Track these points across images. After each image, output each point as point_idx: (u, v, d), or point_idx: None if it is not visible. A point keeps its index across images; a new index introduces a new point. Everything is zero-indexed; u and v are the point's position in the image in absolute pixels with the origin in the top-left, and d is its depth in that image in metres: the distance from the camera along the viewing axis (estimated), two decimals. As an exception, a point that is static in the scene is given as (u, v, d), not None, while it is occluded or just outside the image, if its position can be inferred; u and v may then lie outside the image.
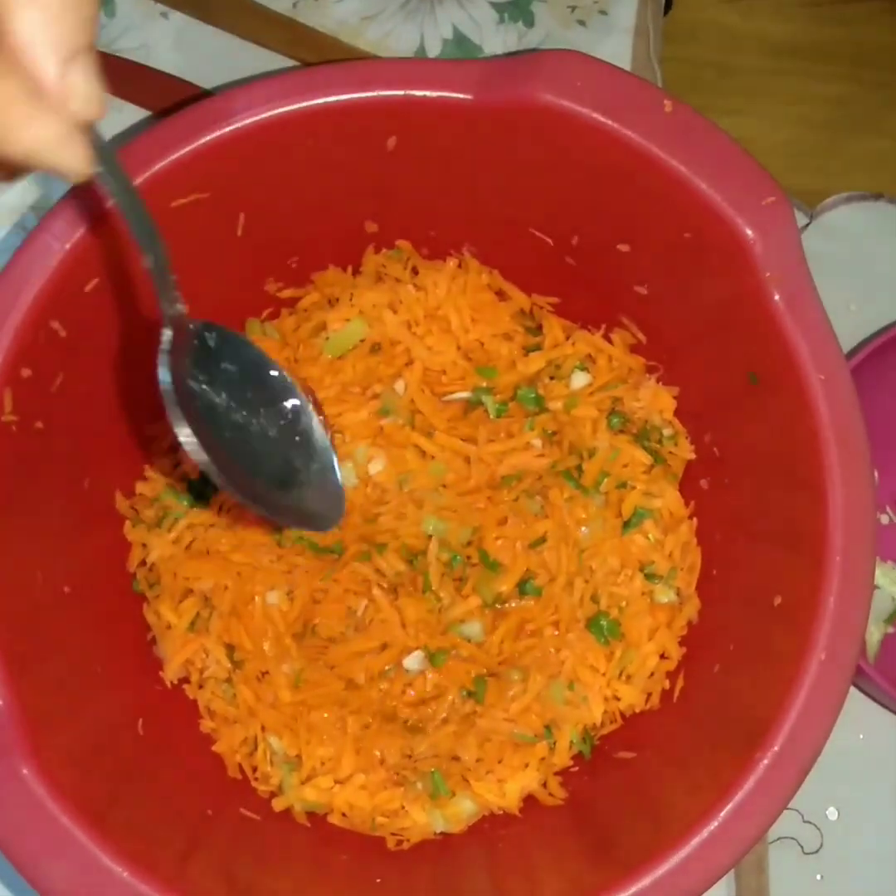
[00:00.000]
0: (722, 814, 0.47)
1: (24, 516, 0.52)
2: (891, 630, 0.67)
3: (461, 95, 0.51)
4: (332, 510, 0.48)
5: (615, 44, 0.71)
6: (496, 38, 0.71)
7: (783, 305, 0.50)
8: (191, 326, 0.44)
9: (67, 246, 0.50)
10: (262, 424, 0.46)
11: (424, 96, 0.51)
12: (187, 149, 0.51)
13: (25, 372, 0.50)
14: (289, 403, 0.46)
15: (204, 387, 0.44)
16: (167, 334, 0.42)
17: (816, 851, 0.64)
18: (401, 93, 0.51)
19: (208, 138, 0.51)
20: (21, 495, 0.52)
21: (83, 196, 0.50)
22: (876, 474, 0.68)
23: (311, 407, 0.46)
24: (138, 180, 0.51)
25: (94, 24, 0.32)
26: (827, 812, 0.65)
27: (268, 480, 0.45)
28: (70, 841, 0.45)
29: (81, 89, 0.32)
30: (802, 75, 0.76)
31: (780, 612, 0.51)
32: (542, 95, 0.51)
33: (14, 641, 0.49)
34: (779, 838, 0.64)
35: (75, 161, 0.34)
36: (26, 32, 0.30)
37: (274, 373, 0.46)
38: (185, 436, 0.41)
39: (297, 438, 0.47)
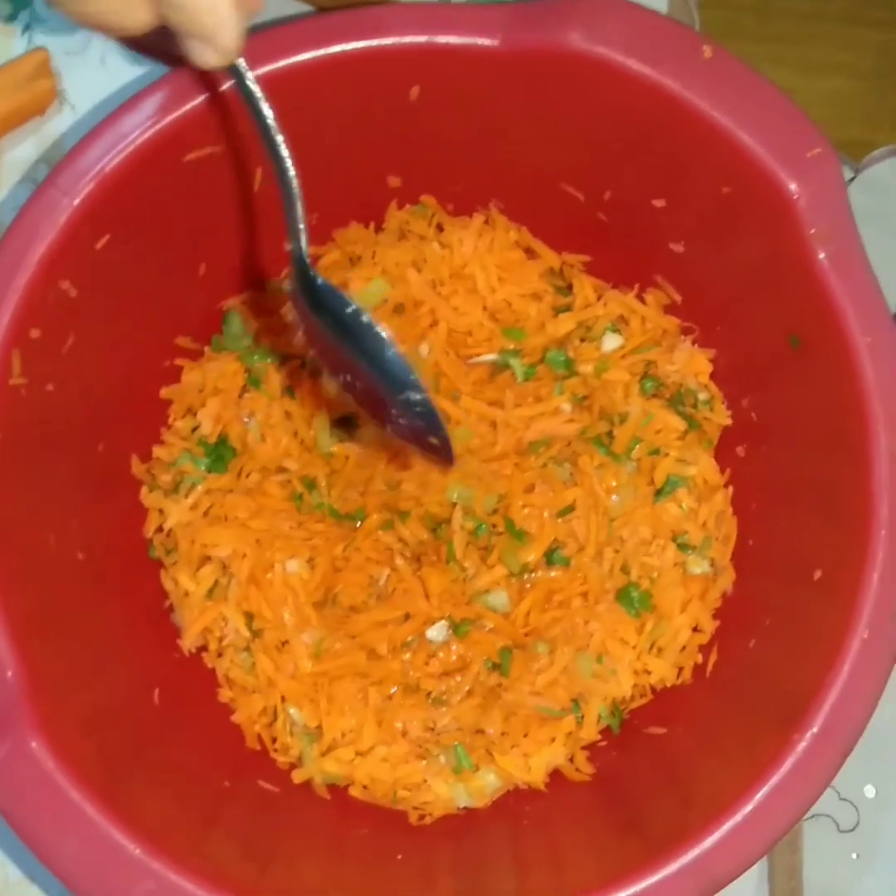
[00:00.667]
0: (756, 796, 0.45)
1: (37, 481, 0.51)
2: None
3: (487, 41, 0.49)
4: (442, 455, 0.48)
5: (651, -12, 0.67)
6: (526, -18, 0.68)
7: (828, 264, 0.47)
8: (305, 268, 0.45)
9: (76, 201, 0.48)
10: (359, 369, 0.47)
11: (448, 43, 0.49)
12: (198, 101, 0.49)
13: (35, 333, 0.49)
14: (388, 353, 0.46)
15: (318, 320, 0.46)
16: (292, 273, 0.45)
17: (853, 829, 0.62)
18: (423, 39, 0.49)
19: (221, 89, 0.49)
20: (32, 459, 0.50)
21: (91, 148, 0.48)
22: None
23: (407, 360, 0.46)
24: (149, 132, 0.49)
25: None
26: (864, 789, 0.63)
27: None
28: (80, 817, 0.43)
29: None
30: (847, 20, 0.72)
31: (821, 587, 0.49)
32: (574, 41, 0.48)
33: (24, 609, 0.47)
34: (814, 815, 0.62)
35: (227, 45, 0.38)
36: None
37: (376, 327, 0.46)
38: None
39: (392, 384, 0.46)
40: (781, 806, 0.45)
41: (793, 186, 0.47)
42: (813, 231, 0.47)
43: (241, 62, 0.41)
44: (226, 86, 0.49)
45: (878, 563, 0.46)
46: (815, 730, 0.45)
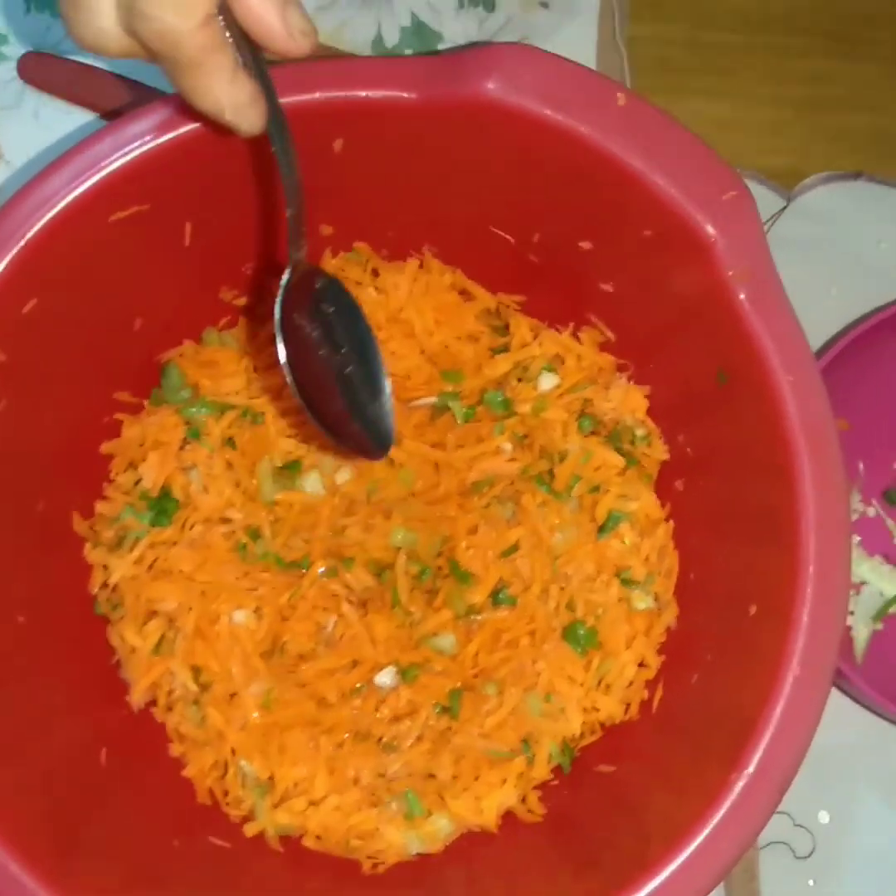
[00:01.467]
0: (703, 832, 0.46)
1: (-28, 546, 0.50)
2: (879, 627, 0.65)
3: (405, 94, 0.49)
4: (382, 443, 0.52)
5: (579, 25, 0.68)
6: (456, 25, 0.69)
7: (748, 304, 0.48)
8: (307, 270, 0.48)
9: (0, 267, 0.48)
10: (342, 361, 0.51)
11: (367, 96, 0.49)
12: (122, 161, 0.49)
13: (-35, 397, 0.48)
14: (368, 347, 0.51)
15: (304, 321, 0.49)
16: (288, 274, 0.47)
17: (808, 856, 0.63)
18: (343, 94, 0.49)
19: (143, 149, 0.49)
20: (-33, 526, 0.50)
21: (13, 214, 0.48)
22: (861, 466, 0.66)
23: (381, 354, 0.52)
24: (71, 196, 0.49)
25: None
26: (818, 815, 0.63)
27: (335, 409, 0.50)
28: (21, 890, 0.43)
29: (298, 25, 0.38)
30: (777, 51, 0.73)
31: (756, 622, 0.50)
32: (490, 91, 0.48)
33: (-39, 680, 0.47)
34: (770, 843, 0.63)
35: (255, 119, 0.40)
36: None
37: (361, 321, 0.51)
38: (282, 357, 0.47)
39: (365, 378, 0.51)
40: (725, 841, 0.45)
41: (710, 229, 0.47)
42: (731, 272, 0.47)
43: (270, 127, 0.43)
44: (144, 147, 0.49)
45: (807, 598, 0.46)
46: (750, 770, 0.45)
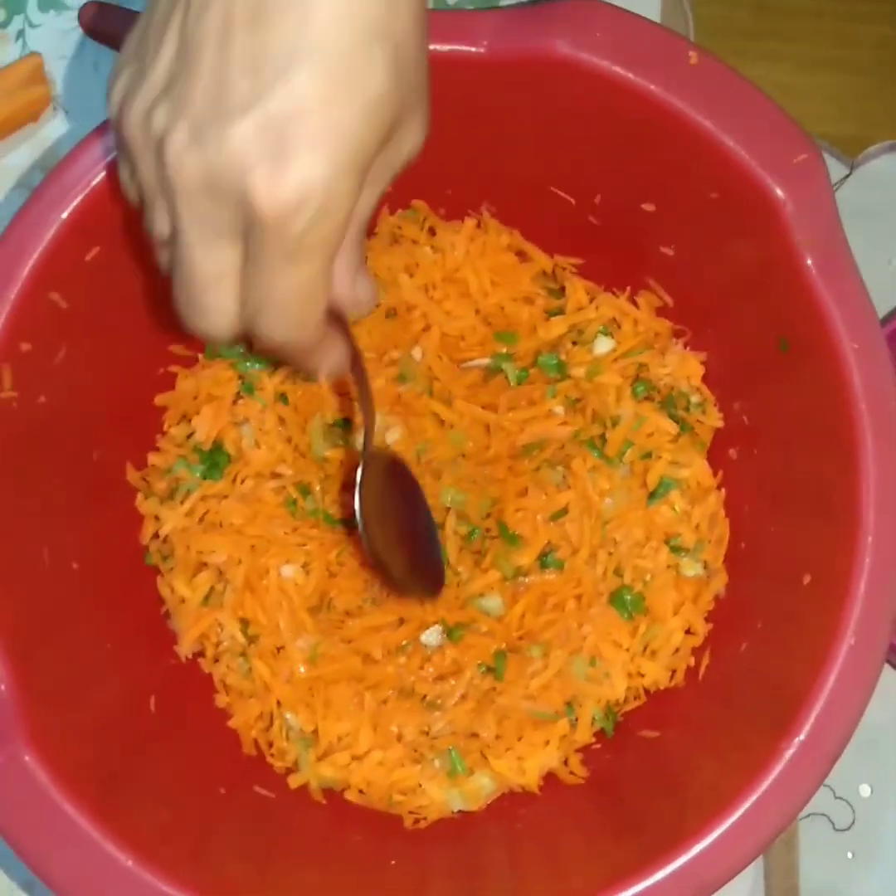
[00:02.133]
0: (746, 803, 0.46)
1: (30, 493, 0.51)
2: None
3: (474, 48, 0.49)
4: (438, 581, 0.57)
5: (645, -13, 0.67)
6: (518, -17, 0.68)
7: (815, 270, 0.47)
8: (377, 458, 0.55)
9: (64, 215, 0.48)
10: (404, 521, 0.57)
11: (435, 50, 0.48)
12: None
13: (25, 346, 0.49)
14: (422, 509, 0.58)
15: (375, 494, 0.54)
16: (361, 471, 0.53)
17: (848, 828, 0.63)
18: (410, 47, 0.49)
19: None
20: (25, 472, 0.51)
21: (79, 160, 0.48)
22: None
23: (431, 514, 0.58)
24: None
25: (364, 247, 0.42)
26: (859, 788, 0.63)
27: (403, 558, 0.56)
28: (74, 830, 0.44)
29: (364, 292, 0.43)
30: (844, 16, 0.71)
31: (810, 591, 0.49)
32: (560, 47, 0.48)
33: (18, 622, 0.48)
34: (809, 815, 0.63)
35: (344, 369, 0.46)
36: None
37: (415, 488, 0.58)
38: (364, 541, 0.54)
39: (422, 533, 0.58)
40: (769, 813, 0.45)
41: (779, 192, 0.47)
42: (800, 237, 0.47)
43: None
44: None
45: (864, 569, 0.46)
46: (801, 738, 0.45)
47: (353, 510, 0.53)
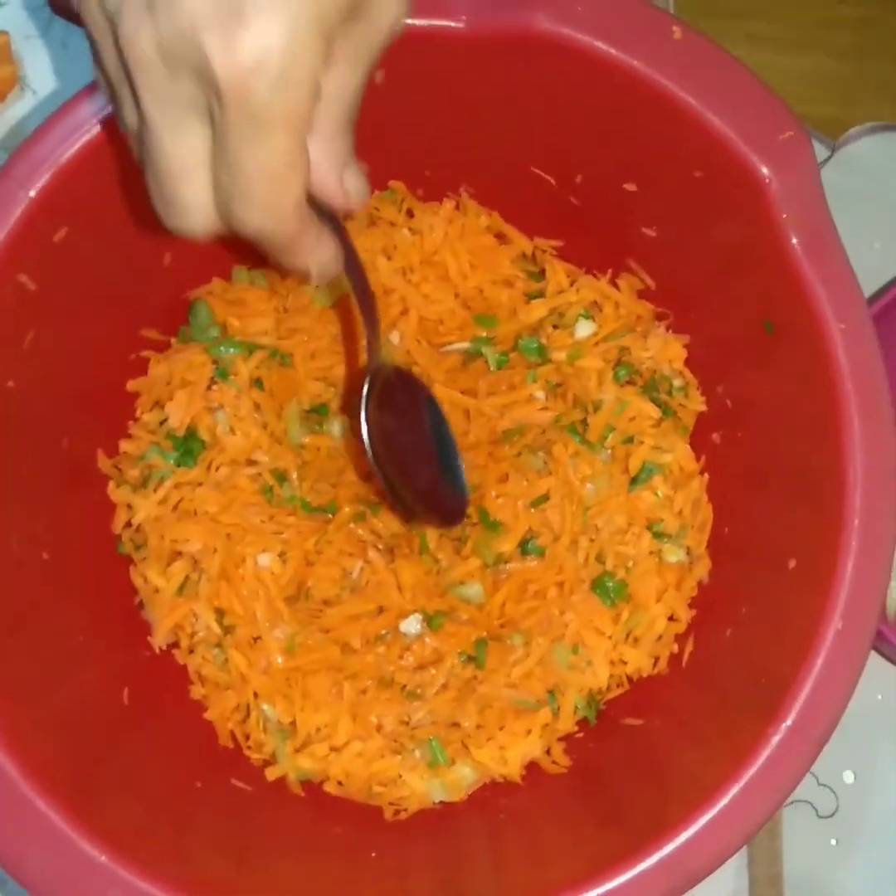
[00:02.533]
0: (732, 790, 0.45)
1: (-2, 480, 0.50)
2: (912, 586, 0.64)
3: (452, 23, 0.47)
4: (459, 508, 0.55)
5: (624, -35, 0.66)
6: (496, -39, 0.67)
7: (801, 249, 0.46)
8: (384, 371, 0.52)
9: (32, 193, 0.47)
10: (418, 437, 0.55)
11: (412, 25, 0.47)
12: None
13: (-8, 329, 0.47)
14: (436, 419, 0.56)
15: (383, 413, 0.52)
16: (368, 382, 0.51)
17: (832, 815, 0.62)
18: (387, 21, 0.47)
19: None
20: (-7, 458, 0.49)
21: (47, 138, 0.47)
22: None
23: (448, 423, 0.56)
24: (107, 120, 0.47)
25: (354, 141, 0.40)
26: (843, 775, 0.63)
27: (416, 484, 0.54)
28: (47, 826, 0.43)
29: (354, 186, 0.40)
30: (824, -3, 0.71)
31: (795, 576, 0.49)
32: (540, 22, 0.47)
33: (-13, 614, 0.46)
34: (793, 802, 0.62)
35: (334, 270, 0.43)
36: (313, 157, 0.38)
37: (430, 403, 0.56)
38: (369, 454, 0.51)
39: (438, 447, 0.55)
40: (757, 799, 0.45)
41: (765, 170, 0.46)
42: (785, 215, 0.46)
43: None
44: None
45: (851, 552, 0.45)
46: (788, 723, 0.44)
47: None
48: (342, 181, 0.40)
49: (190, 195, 0.38)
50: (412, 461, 0.53)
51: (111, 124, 0.47)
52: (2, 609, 0.48)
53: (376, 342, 0.50)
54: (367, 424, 0.50)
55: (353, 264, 0.45)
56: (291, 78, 0.35)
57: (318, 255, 0.41)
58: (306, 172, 0.38)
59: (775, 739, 0.44)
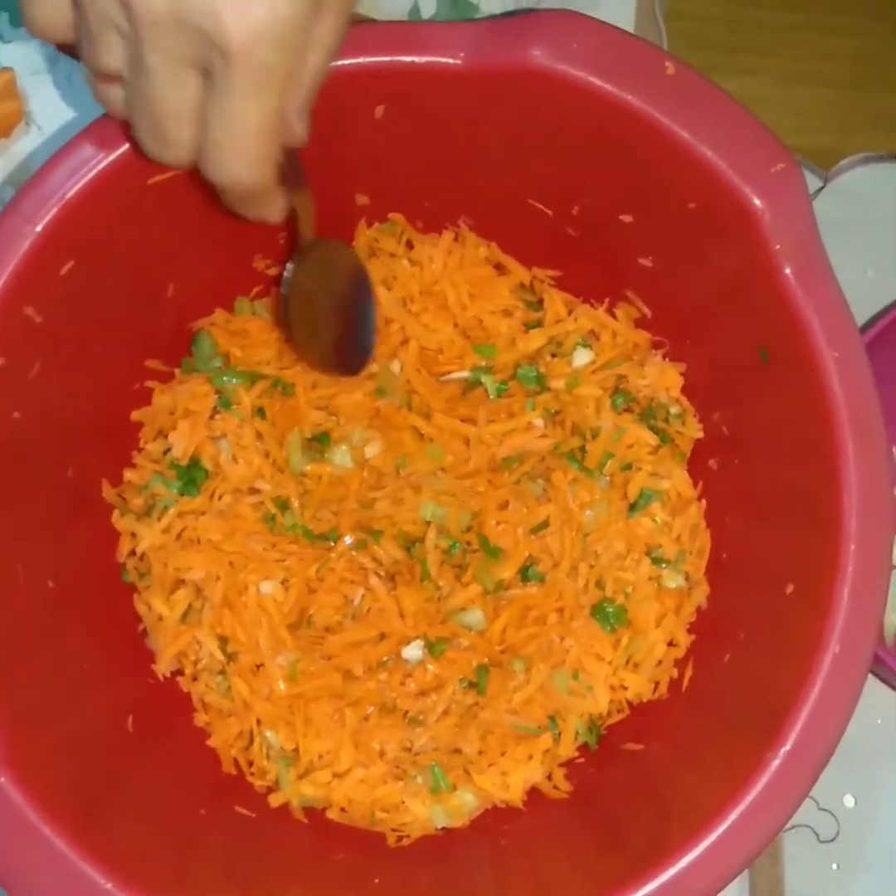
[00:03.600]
0: (732, 815, 0.45)
1: (4, 510, 0.50)
2: (910, 611, 0.64)
3: (450, 60, 0.48)
4: (362, 361, 0.59)
5: (618, 1, 0.68)
6: (493, -3, 0.68)
7: (794, 279, 0.47)
8: (310, 242, 0.56)
9: (39, 228, 0.48)
10: (336, 297, 0.58)
11: (412, 62, 0.49)
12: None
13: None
14: (358, 283, 0.59)
15: (305, 278, 0.56)
16: (295, 258, 0.56)
17: (833, 839, 0.62)
18: (388, 59, 0.49)
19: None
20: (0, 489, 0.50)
21: (53, 173, 0.48)
22: (895, 451, 0.65)
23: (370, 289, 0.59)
24: (113, 156, 0.48)
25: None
26: (843, 799, 0.63)
27: (325, 338, 0.59)
28: (52, 853, 0.43)
29: (302, 130, 0.43)
30: (819, 29, 0.72)
31: (793, 601, 0.49)
32: (536, 59, 0.48)
33: (-7, 644, 0.47)
34: (794, 826, 0.62)
35: (284, 215, 0.48)
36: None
37: (357, 265, 0.59)
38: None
39: (355, 307, 0.59)
40: (757, 824, 0.45)
41: (758, 202, 0.47)
42: (778, 246, 0.47)
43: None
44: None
45: (848, 577, 0.46)
46: (788, 747, 0.44)
47: None
48: (295, 127, 0.43)
49: (177, 135, 0.42)
50: (324, 318, 0.58)
51: (117, 160, 0.48)
52: (8, 637, 0.48)
53: (309, 222, 0.54)
54: (289, 285, 0.55)
55: (303, 202, 0.52)
56: (292, 44, 0.39)
57: (275, 211, 0.47)
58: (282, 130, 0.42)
59: (775, 764, 0.45)
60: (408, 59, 0.48)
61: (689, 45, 0.71)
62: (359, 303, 0.59)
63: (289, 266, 0.55)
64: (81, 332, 0.53)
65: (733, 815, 0.45)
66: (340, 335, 0.59)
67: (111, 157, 0.48)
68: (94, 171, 0.48)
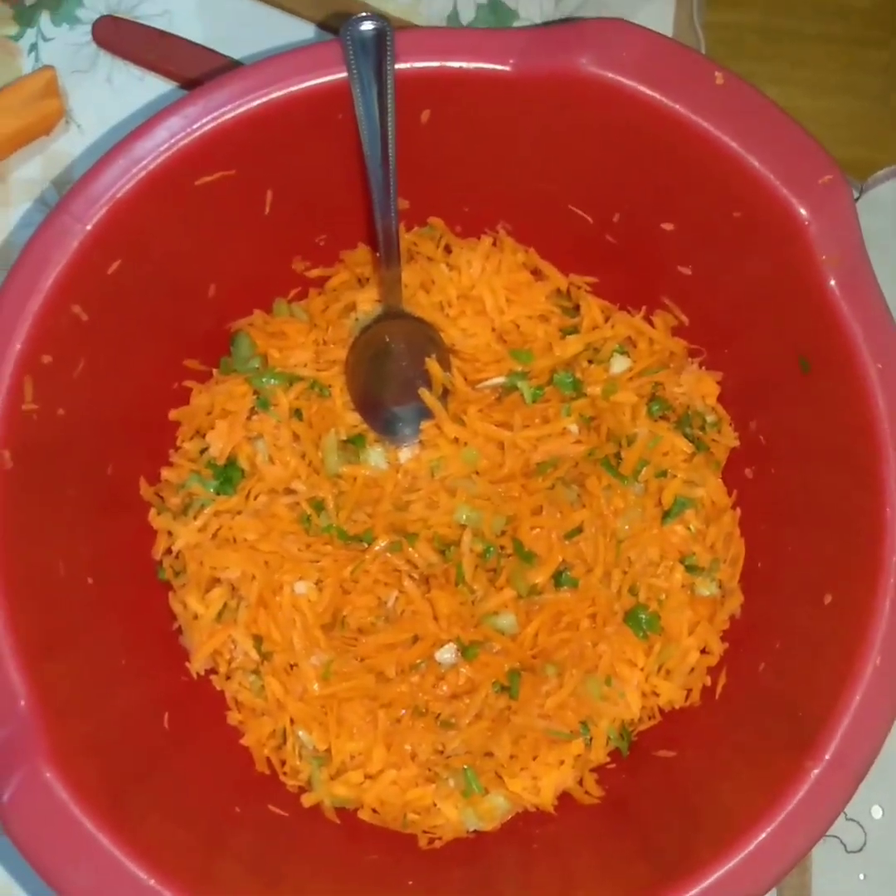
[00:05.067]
0: (769, 826, 0.45)
1: (46, 506, 0.51)
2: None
3: (499, 66, 0.49)
4: (411, 432, 0.60)
5: (656, 9, 0.68)
6: (532, 3, 0.68)
7: (839, 290, 0.47)
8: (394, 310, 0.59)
9: (88, 227, 0.48)
10: (404, 365, 0.60)
11: (460, 68, 0.49)
12: (213, 125, 0.49)
13: (46, 358, 0.48)
14: (429, 351, 0.60)
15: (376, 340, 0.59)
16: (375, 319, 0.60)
17: (860, 850, 0.62)
18: (435, 64, 0.49)
19: (235, 113, 0.49)
20: (42, 485, 0.50)
21: (104, 174, 0.48)
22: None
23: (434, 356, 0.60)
24: (162, 157, 0.48)
25: None
26: (871, 810, 0.63)
27: (380, 399, 0.60)
28: (94, 846, 0.43)
29: None
30: (853, 41, 0.72)
31: (831, 611, 0.49)
32: (585, 66, 0.48)
33: (35, 638, 0.47)
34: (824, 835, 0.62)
35: None
36: None
37: (431, 334, 0.60)
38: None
39: (415, 382, 0.60)
40: (794, 835, 0.45)
41: (804, 212, 0.47)
42: (824, 257, 0.47)
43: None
44: (236, 111, 0.49)
45: (889, 588, 0.46)
46: (828, 757, 0.45)
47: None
48: None
49: None
50: (382, 381, 0.60)
51: (166, 162, 0.49)
52: (50, 633, 0.48)
53: (396, 290, 0.57)
54: (358, 341, 0.59)
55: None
56: None
57: None
58: None
59: (814, 773, 0.45)
60: (456, 64, 0.49)
61: (724, 54, 0.71)
62: (420, 379, 0.59)
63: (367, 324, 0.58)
64: (125, 331, 0.53)
65: (769, 827, 0.45)
66: (395, 402, 0.60)
67: (161, 159, 0.49)
68: (144, 172, 0.48)
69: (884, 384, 0.47)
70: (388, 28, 0.47)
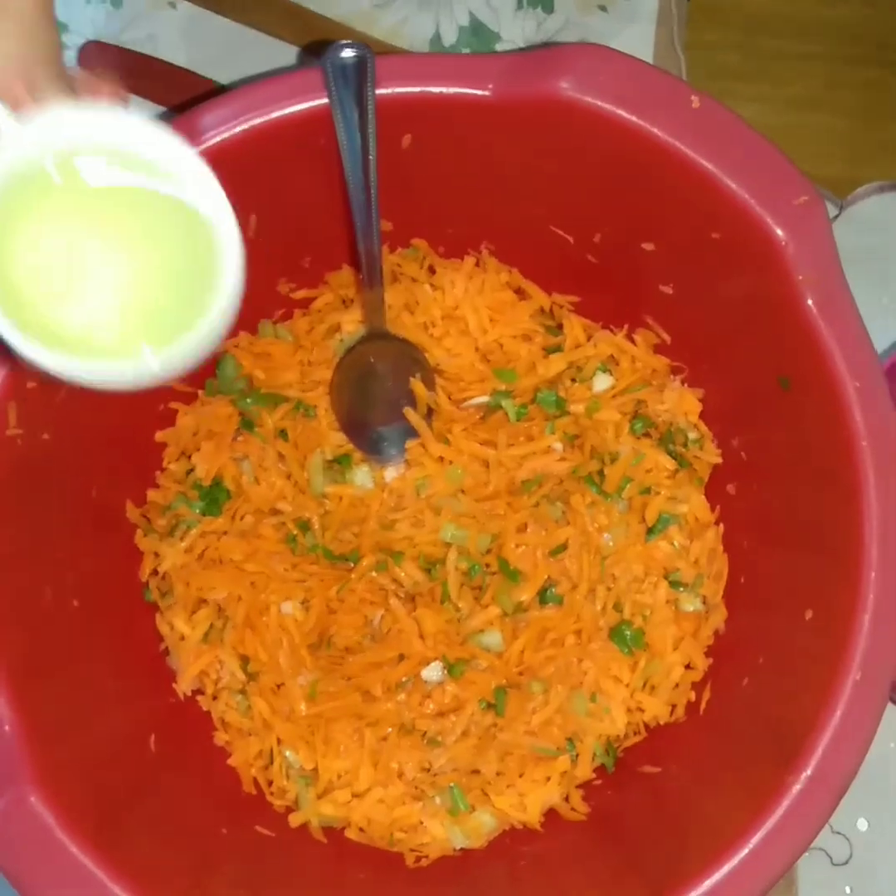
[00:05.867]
0: (752, 840, 0.46)
1: (32, 530, 0.51)
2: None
3: (479, 91, 0.49)
4: (397, 451, 0.61)
5: (638, 31, 0.69)
6: (514, 26, 0.69)
7: (816, 309, 0.48)
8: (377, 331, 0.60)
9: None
10: (389, 385, 0.61)
11: (440, 93, 0.49)
12: (197, 150, 0.49)
13: (31, 383, 0.49)
14: (413, 371, 0.60)
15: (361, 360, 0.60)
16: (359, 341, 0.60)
17: (846, 862, 0.63)
18: (416, 89, 0.50)
19: (218, 139, 0.49)
20: (28, 509, 0.50)
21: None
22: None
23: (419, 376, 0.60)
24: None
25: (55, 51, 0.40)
26: (857, 823, 0.63)
27: (365, 419, 0.61)
28: (81, 871, 0.43)
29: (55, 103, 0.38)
30: (832, 59, 0.73)
31: (813, 627, 0.50)
32: (564, 90, 0.49)
33: (20, 661, 0.47)
34: (807, 849, 0.63)
35: None
36: None
37: (415, 355, 0.61)
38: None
39: (400, 402, 0.60)
40: (777, 849, 0.45)
41: (781, 233, 0.48)
42: (801, 277, 0.48)
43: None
44: (219, 136, 0.49)
45: (868, 605, 0.46)
46: (809, 772, 0.45)
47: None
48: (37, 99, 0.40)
49: None
50: (368, 401, 0.61)
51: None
52: (36, 657, 0.49)
53: (379, 311, 0.58)
54: (343, 361, 0.59)
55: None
56: None
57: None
58: None
59: (795, 788, 0.45)
60: (438, 90, 0.49)
61: (704, 73, 0.72)
62: (405, 399, 0.60)
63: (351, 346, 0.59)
64: (110, 354, 0.53)
65: (753, 841, 0.46)
66: (381, 421, 0.60)
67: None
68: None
69: (862, 402, 0.47)
70: (369, 55, 0.48)
